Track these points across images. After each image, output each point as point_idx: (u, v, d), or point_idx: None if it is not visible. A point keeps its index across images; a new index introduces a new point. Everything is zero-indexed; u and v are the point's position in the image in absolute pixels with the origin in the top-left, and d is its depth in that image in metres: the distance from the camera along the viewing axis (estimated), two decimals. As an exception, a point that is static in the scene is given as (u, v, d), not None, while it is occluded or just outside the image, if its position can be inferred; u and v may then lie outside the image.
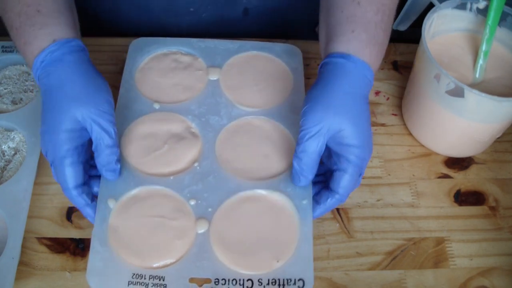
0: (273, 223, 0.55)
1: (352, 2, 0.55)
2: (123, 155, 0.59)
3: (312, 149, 0.51)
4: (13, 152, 0.62)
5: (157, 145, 0.60)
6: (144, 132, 0.61)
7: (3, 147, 0.62)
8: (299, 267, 0.52)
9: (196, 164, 0.59)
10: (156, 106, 0.63)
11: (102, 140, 0.52)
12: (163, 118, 0.62)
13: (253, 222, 0.55)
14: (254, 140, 0.61)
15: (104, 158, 0.53)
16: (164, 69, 0.66)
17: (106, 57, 0.72)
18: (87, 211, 0.53)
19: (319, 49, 0.59)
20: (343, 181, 0.52)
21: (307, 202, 0.55)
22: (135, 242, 0.53)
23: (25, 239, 0.57)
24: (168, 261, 0.53)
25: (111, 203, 0.55)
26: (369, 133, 0.53)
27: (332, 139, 0.52)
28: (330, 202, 0.54)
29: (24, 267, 0.56)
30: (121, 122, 0.61)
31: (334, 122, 0.51)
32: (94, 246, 0.53)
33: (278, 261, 0.53)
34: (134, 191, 0.56)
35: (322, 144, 0.51)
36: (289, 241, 0.54)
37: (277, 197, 0.56)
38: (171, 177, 0.58)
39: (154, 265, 0.52)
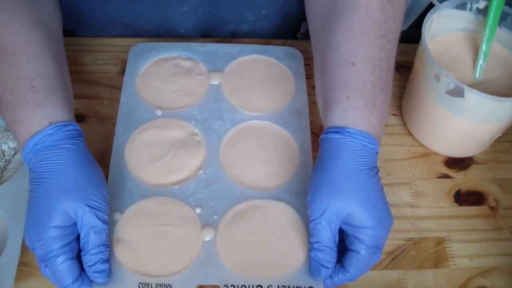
0: (281, 231, 0.54)
1: (346, 64, 0.51)
2: (128, 165, 0.58)
3: (327, 239, 0.49)
4: (13, 152, 0.62)
5: (161, 153, 0.59)
6: (147, 140, 0.60)
7: (3, 147, 0.62)
8: (309, 276, 0.51)
9: (200, 172, 0.58)
10: (159, 112, 0.63)
11: (91, 240, 0.48)
12: (165, 125, 0.61)
13: (261, 229, 0.55)
14: (257, 146, 0.61)
15: (91, 257, 0.49)
16: (165, 74, 0.66)
17: (106, 57, 0.72)
18: None
19: (319, 112, 0.56)
20: (356, 261, 0.49)
21: None
22: (141, 251, 0.53)
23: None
24: (175, 269, 0.52)
25: (117, 216, 0.55)
26: (381, 208, 0.49)
27: (343, 221, 0.49)
28: (339, 278, 0.50)
29: (24, 267, 0.56)
30: (124, 130, 0.61)
31: (341, 208, 0.48)
32: None
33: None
34: (139, 203, 0.56)
35: (335, 230, 0.49)
36: (297, 249, 0.53)
37: (283, 207, 0.56)
38: (176, 186, 0.57)
39: (161, 273, 0.51)
